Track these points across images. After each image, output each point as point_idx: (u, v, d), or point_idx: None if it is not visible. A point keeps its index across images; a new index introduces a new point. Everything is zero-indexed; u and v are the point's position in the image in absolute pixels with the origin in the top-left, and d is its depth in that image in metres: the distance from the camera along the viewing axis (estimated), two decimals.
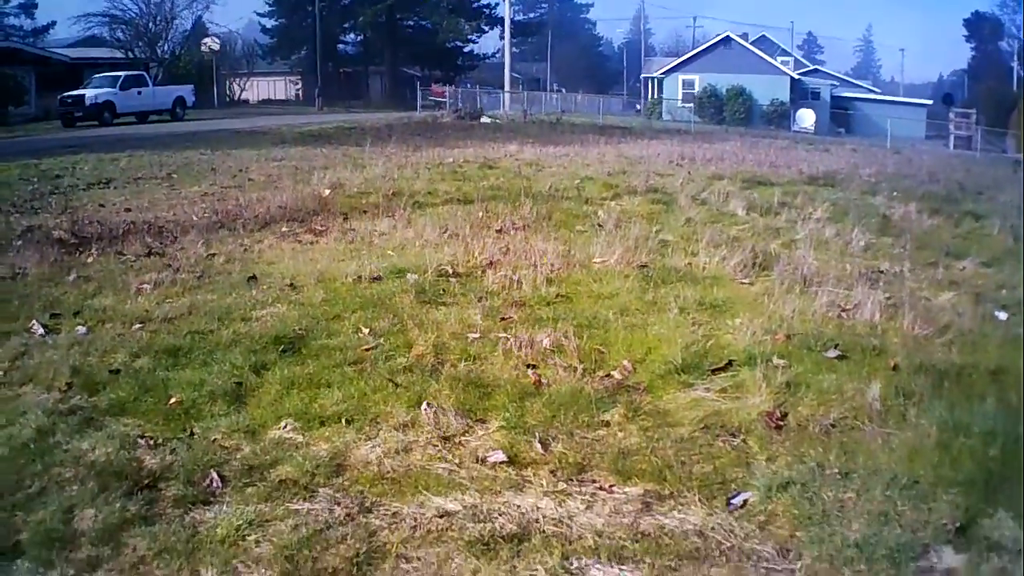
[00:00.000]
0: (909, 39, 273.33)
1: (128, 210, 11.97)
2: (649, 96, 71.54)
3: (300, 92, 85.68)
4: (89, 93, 43.08)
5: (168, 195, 13.54)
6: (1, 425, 4.68)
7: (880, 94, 73.89)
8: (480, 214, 10.46)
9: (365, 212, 10.83)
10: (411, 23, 76.50)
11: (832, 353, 5.52)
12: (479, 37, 80.00)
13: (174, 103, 48.26)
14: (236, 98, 75.61)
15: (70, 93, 43.68)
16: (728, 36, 61.73)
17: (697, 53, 61.54)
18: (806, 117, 60.03)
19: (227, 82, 73.96)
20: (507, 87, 55.53)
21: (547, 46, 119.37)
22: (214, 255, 8.50)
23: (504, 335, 5.78)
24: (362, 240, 9.19)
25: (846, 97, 66.04)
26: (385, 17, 74.23)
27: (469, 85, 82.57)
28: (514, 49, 69.03)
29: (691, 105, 60.77)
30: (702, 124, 55.01)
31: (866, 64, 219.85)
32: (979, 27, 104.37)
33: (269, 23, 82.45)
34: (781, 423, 4.60)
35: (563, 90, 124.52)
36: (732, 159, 21.39)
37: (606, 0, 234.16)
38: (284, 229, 9.93)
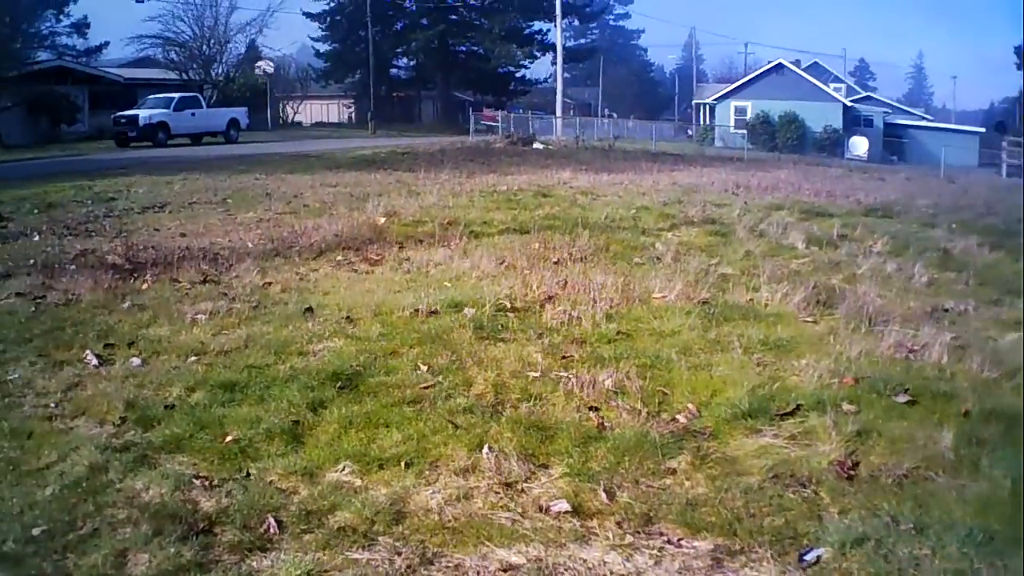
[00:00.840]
0: (960, 65, 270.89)
1: (183, 235, 12.00)
2: (701, 122, 71.35)
3: (353, 115, 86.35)
4: (143, 113, 43.63)
5: (223, 220, 13.56)
6: (53, 461, 4.63)
7: (932, 121, 72.99)
8: (536, 245, 10.33)
9: (420, 241, 10.76)
10: (463, 48, 76.89)
11: (902, 398, 5.34)
12: (531, 63, 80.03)
13: (228, 125, 48.67)
14: (289, 121, 76.29)
15: (124, 113, 44.29)
16: (780, 63, 61.47)
17: (749, 80, 61.25)
18: (859, 145, 59.53)
19: (280, 104, 74.67)
20: (559, 112, 55.47)
21: (598, 71, 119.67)
22: (269, 284, 8.45)
23: (565, 374, 5.66)
24: (418, 270, 9.11)
25: (899, 124, 65.46)
26: (437, 42, 74.63)
27: (521, 110, 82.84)
28: (565, 74, 69.00)
29: (743, 132, 60.40)
30: (754, 151, 54.63)
31: (918, 91, 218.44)
32: None
33: (323, 47, 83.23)
34: (852, 473, 4.44)
35: (615, 115, 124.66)
36: (787, 188, 21.15)
37: (658, 26, 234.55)
38: (339, 257, 9.88)
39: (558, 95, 56.96)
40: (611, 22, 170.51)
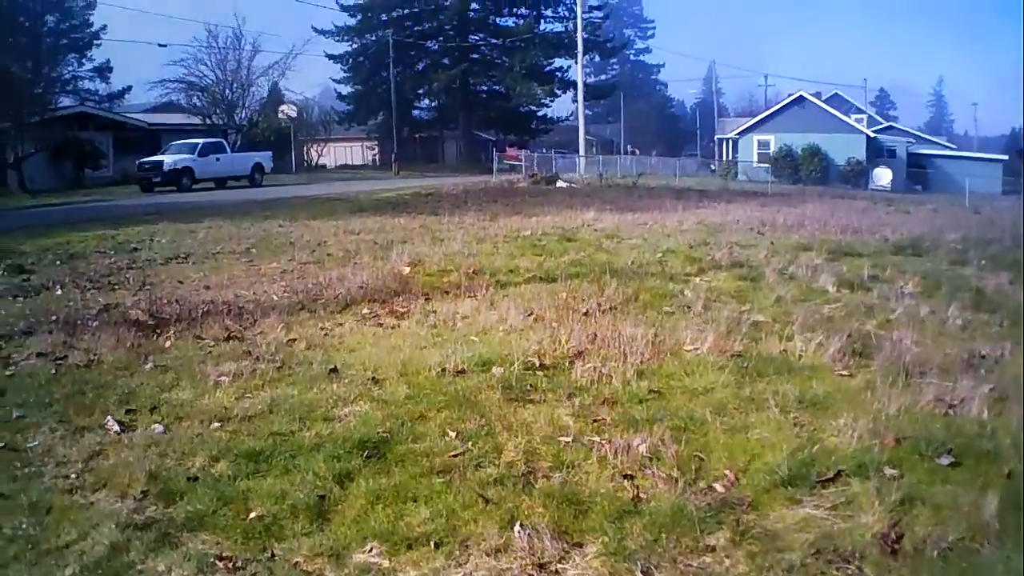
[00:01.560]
0: (980, 90, 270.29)
1: (207, 287, 11.94)
2: (724, 156, 71.28)
3: (377, 157, 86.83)
4: (168, 159, 44.02)
5: (247, 271, 13.51)
6: (73, 539, 4.51)
7: (955, 150, 72.73)
8: (563, 295, 10.20)
9: (446, 292, 10.65)
10: (485, 88, 77.15)
11: (945, 460, 5.15)
12: (552, 100, 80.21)
13: (252, 169, 49.04)
14: (314, 164, 76.61)
15: (149, 159, 44.71)
16: (802, 95, 61.45)
17: (771, 113, 61.26)
18: (883, 175, 59.36)
19: (304, 147, 74.98)
20: (582, 151, 55.48)
21: (620, 107, 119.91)
22: (294, 340, 8.34)
23: (597, 439, 5.50)
24: (444, 324, 8.98)
25: (922, 154, 65.26)
26: (459, 82, 75.02)
27: (543, 149, 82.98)
28: (587, 111, 69.05)
29: (767, 165, 60.34)
30: (778, 184, 54.49)
31: (939, 118, 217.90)
32: None
33: (345, 90, 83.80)
34: (896, 546, 4.26)
35: (637, 151, 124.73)
36: (813, 224, 20.97)
37: (677, 61, 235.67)
38: (365, 311, 9.77)
39: (580, 133, 56.97)
40: (631, 57, 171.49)
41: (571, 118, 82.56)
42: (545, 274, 12.11)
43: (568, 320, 8.79)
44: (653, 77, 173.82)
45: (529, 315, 9.05)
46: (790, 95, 77.08)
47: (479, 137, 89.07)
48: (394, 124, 70.54)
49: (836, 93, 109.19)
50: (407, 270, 12.61)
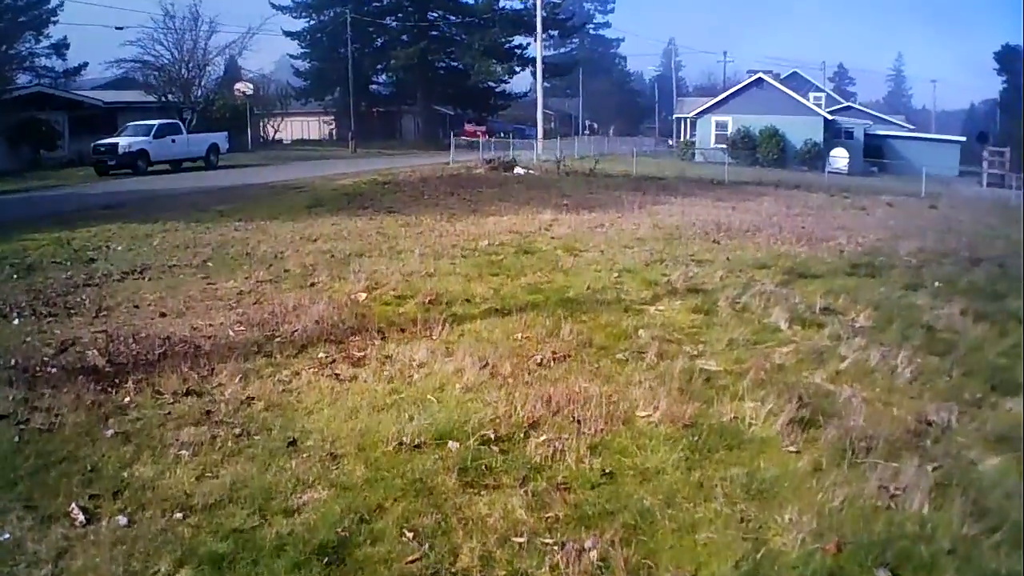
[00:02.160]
0: (941, 68, 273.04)
1: (163, 314, 11.96)
2: (682, 137, 71.57)
3: (334, 131, 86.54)
4: (123, 142, 43.63)
5: (203, 292, 13.52)
6: None
7: (913, 130, 73.50)
8: (519, 335, 10.34)
9: (403, 330, 10.72)
10: (443, 64, 76.90)
11: (883, 573, 5.32)
12: (511, 78, 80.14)
13: (208, 150, 48.89)
14: (271, 139, 76.10)
15: (104, 141, 44.30)
16: (760, 77, 61.86)
17: (730, 95, 61.64)
18: (840, 158, 60.00)
19: (261, 123, 74.44)
20: (540, 134, 55.34)
21: (579, 82, 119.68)
22: (252, 399, 8.37)
23: (550, 541, 5.63)
24: (401, 375, 9.06)
25: (879, 135, 65.97)
26: (418, 59, 74.62)
27: (501, 124, 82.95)
28: (546, 84, 69.09)
29: (724, 147, 60.75)
30: (735, 166, 54.91)
31: (897, 93, 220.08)
32: (1010, 60, 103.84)
33: (302, 65, 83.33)
34: None
35: (595, 126, 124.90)
36: (769, 229, 21.26)
37: (637, 36, 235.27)
38: (321, 354, 9.82)
39: (539, 116, 56.90)
40: (591, 31, 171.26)
41: (530, 93, 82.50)
42: (501, 303, 12.20)
43: (523, 373, 8.93)
44: (612, 51, 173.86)
45: (484, 366, 9.14)
46: (750, 73, 77.47)
47: (437, 112, 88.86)
48: (351, 102, 70.27)
49: (795, 72, 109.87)
50: (363, 296, 12.69)
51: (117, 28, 61.06)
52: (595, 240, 18.68)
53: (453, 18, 79.26)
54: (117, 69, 61.81)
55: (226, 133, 51.85)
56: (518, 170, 39.74)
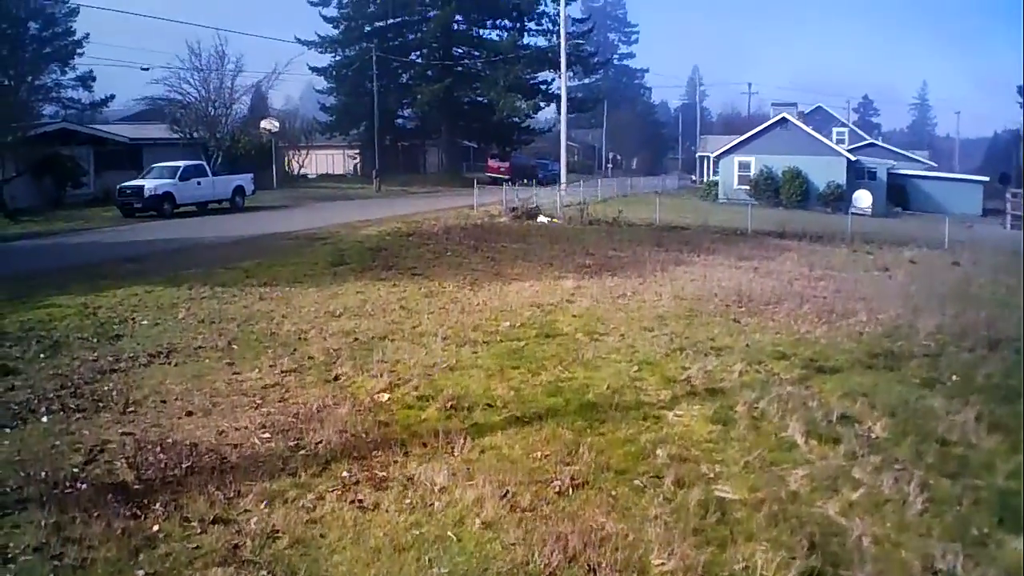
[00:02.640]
0: (963, 92, 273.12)
1: (190, 413, 12.20)
2: (705, 175, 71.77)
3: (358, 166, 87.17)
4: (149, 184, 44.28)
5: (228, 384, 13.75)
6: None
7: (936, 168, 73.57)
8: (539, 454, 10.53)
9: (425, 444, 10.89)
10: (468, 99, 77.35)
11: None
12: (536, 114, 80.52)
13: (234, 192, 49.62)
14: (295, 173, 76.63)
15: (130, 184, 45.06)
16: (784, 117, 62.04)
17: (753, 135, 61.87)
18: (863, 198, 60.27)
19: (286, 156, 75.03)
20: (563, 176, 55.63)
21: (603, 113, 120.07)
22: (278, 534, 8.56)
23: None
24: (423, 503, 9.23)
25: (902, 174, 66.15)
26: (443, 95, 75.09)
27: (523, 159, 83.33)
28: (570, 115, 69.46)
29: (747, 187, 60.97)
30: (758, 207, 55.20)
31: (921, 122, 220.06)
32: None
33: (328, 100, 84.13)
34: None
35: (619, 157, 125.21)
36: (791, 300, 21.39)
37: (661, 65, 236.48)
38: (345, 473, 10.02)
39: (562, 158, 57.20)
40: (615, 61, 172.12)
41: (554, 127, 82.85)
42: (522, 407, 12.38)
43: (542, 504, 9.11)
44: (637, 81, 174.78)
45: (504, 495, 9.31)
46: (774, 106, 77.74)
47: (461, 145, 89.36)
48: (376, 143, 70.82)
49: (819, 106, 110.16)
50: (386, 396, 12.90)
51: (143, 68, 61.99)
52: (616, 319, 18.80)
53: (476, 54, 79.72)
54: (144, 105, 62.13)
55: (251, 175, 52.41)
56: (541, 218, 40.04)
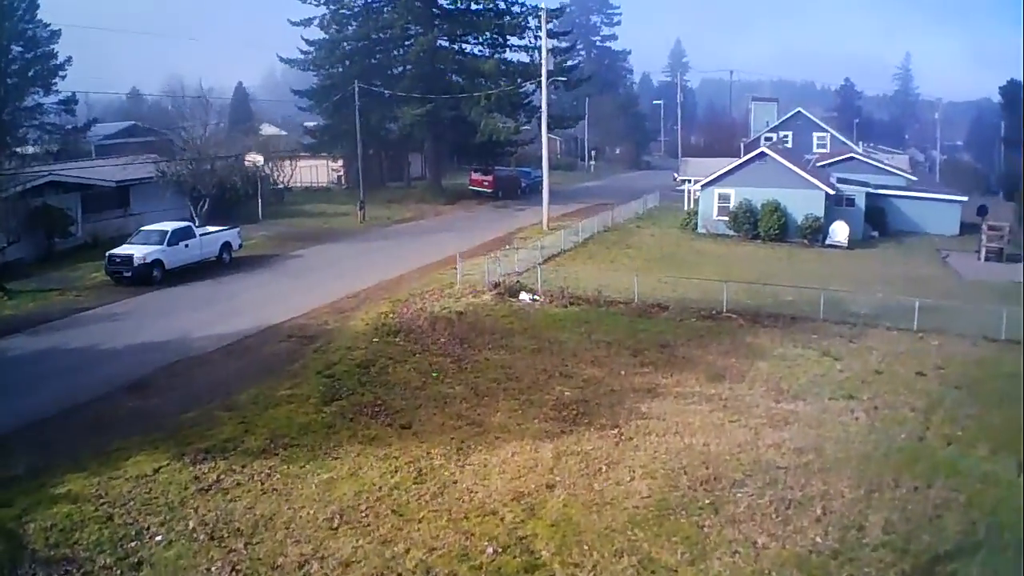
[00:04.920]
0: (951, 57, 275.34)
1: None
2: (685, 201, 73.12)
3: (342, 176, 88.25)
4: (137, 253, 45.89)
5: None
6: None
7: (916, 183, 75.17)
8: None
9: None
10: (451, 114, 78.09)
11: None
12: (518, 134, 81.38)
13: (221, 249, 50.55)
14: (280, 186, 77.38)
15: (119, 252, 46.75)
16: (763, 152, 63.93)
17: (733, 168, 63.39)
18: (839, 231, 62.31)
19: (272, 170, 75.86)
20: (546, 204, 56.78)
21: (585, 105, 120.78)
22: None
23: None
24: None
25: (882, 195, 67.83)
26: (426, 115, 75.97)
27: (506, 171, 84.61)
28: (552, 114, 70.69)
29: (726, 219, 62.78)
30: (737, 239, 57.27)
31: (904, 91, 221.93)
32: (1014, 95, 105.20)
33: (310, 120, 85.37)
34: None
35: (604, 149, 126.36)
36: (755, 478, 22.67)
37: (645, 39, 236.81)
38: None
39: (545, 194, 58.24)
40: (597, 43, 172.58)
41: (535, 141, 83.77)
42: None
43: None
44: (620, 63, 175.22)
45: None
46: (755, 99, 78.46)
47: (445, 153, 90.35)
48: (360, 166, 71.48)
49: (799, 111, 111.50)
50: None
51: (127, 130, 62.96)
52: (591, 530, 20.17)
53: (459, 79, 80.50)
54: (127, 133, 62.69)
55: (238, 229, 53.61)
56: (523, 296, 41.23)
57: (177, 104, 63.24)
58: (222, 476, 22.87)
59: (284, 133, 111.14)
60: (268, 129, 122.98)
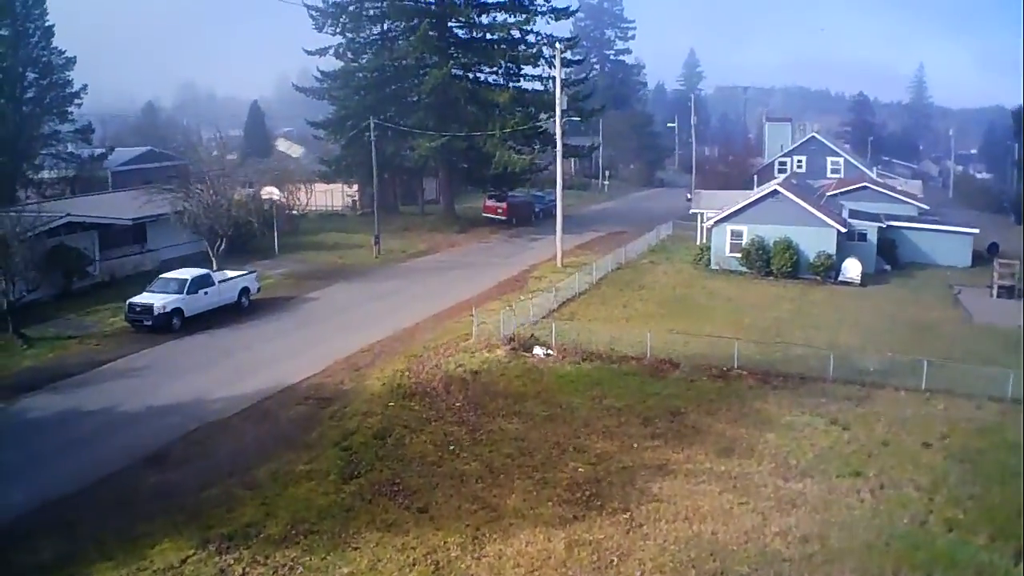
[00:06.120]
0: (962, 70, 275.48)
1: None
2: (698, 235, 73.38)
3: (357, 200, 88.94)
4: (157, 302, 46.63)
5: None
6: None
7: (928, 215, 75.57)
8: None
9: None
10: (466, 145, 78.51)
11: None
12: (531, 165, 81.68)
13: (239, 294, 51.13)
14: (295, 209, 77.88)
15: (139, 301, 47.29)
16: (776, 190, 64.25)
17: (745, 205, 63.91)
18: (851, 268, 62.52)
19: (288, 195, 76.41)
20: (559, 241, 57.16)
21: (599, 124, 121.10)
22: None
23: None
24: None
25: (894, 227, 68.07)
26: (441, 147, 76.47)
27: (520, 198, 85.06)
28: (566, 126, 70.96)
29: (738, 255, 63.14)
30: (750, 276, 57.87)
31: (918, 99, 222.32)
32: None
33: (326, 147, 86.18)
34: None
35: (618, 168, 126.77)
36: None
37: (660, 48, 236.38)
38: None
39: (558, 237, 58.43)
40: (611, 57, 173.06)
41: (550, 167, 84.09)
42: None
43: None
44: (634, 77, 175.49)
45: None
46: (768, 120, 78.52)
47: (459, 178, 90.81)
48: (375, 208, 71.97)
49: (813, 136, 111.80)
50: None
51: (146, 183, 64.02)
52: None
53: (471, 109, 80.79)
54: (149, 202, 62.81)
55: (255, 274, 54.07)
56: (537, 350, 41.58)
57: (192, 120, 63.68)
58: (247, 569, 23.30)
59: (302, 150, 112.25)
60: (283, 144, 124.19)
